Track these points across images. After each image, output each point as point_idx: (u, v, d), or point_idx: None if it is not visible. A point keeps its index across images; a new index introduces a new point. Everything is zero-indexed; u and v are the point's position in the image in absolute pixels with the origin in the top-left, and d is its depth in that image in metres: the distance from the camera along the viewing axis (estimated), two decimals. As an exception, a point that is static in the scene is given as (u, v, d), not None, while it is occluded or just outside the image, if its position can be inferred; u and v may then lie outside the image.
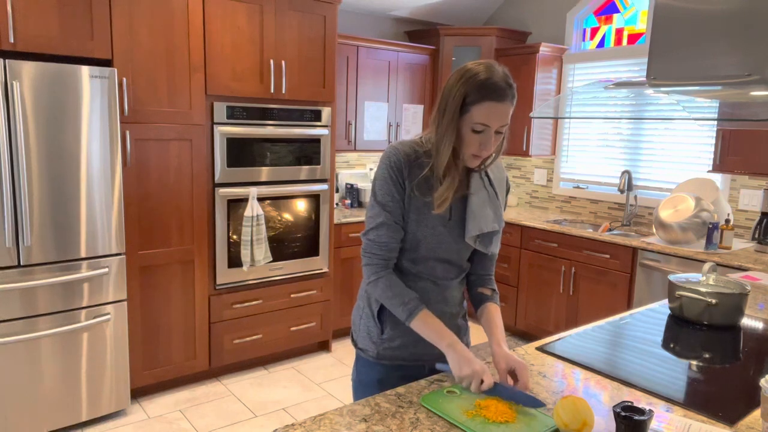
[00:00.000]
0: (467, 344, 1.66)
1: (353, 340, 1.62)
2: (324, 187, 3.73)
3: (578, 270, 3.81)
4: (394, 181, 1.43)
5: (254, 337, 3.56)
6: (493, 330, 1.50)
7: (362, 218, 4.03)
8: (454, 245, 1.51)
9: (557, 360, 1.57)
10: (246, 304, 3.51)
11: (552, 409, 1.28)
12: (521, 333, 4.31)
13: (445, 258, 1.52)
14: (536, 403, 1.25)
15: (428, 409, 1.27)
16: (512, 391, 1.29)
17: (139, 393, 3.23)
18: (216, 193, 3.30)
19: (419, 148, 1.46)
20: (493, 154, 1.47)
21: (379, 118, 4.40)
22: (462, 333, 1.63)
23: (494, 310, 1.56)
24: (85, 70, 2.69)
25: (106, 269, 2.86)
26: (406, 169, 1.43)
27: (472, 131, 1.37)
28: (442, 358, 1.42)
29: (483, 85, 1.34)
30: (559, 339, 1.73)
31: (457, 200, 1.49)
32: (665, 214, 3.40)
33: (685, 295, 1.90)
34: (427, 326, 1.40)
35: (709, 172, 3.46)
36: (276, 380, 3.52)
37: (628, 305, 3.56)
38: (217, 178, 3.29)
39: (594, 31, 4.45)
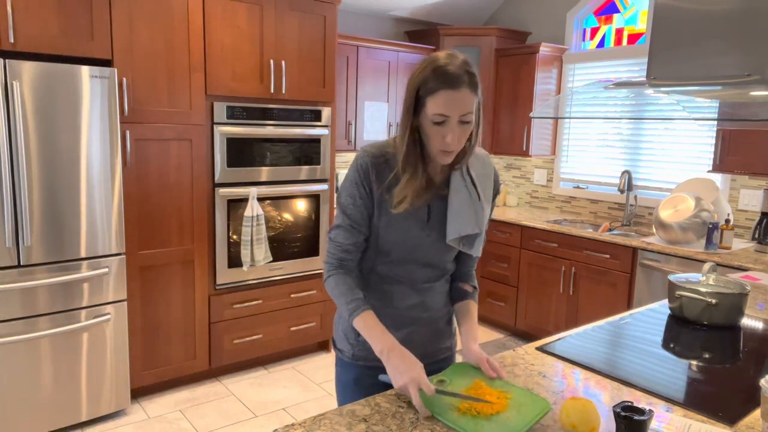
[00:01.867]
0: (451, 347, 1.62)
1: (333, 341, 1.61)
2: (324, 187, 3.73)
3: (578, 270, 3.81)
4: (357, 185, 1.40)
5: (254, 337, 3.56)
6: (469, 326, 1.48)
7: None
8: (434, 248, 1.46)
9: (557, 360, 1.57)
10: (246, 304, 3.51)
11: (544, 401, 1.28)
12: (521, 333, 4.31)
13: (425, 261, 1.47)
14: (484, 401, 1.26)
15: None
16: (459, 397, 1.26)
17: (139, 393, 3.23)
18: (216, 193, 3.30)
19: (390, 149, 1.41)
20: (467, 149, 1.39)
21: (379, 118, 4.40)
22: (446, 337, 1.59)
23: (473, 307, 1.54)
24: (85, 70, 2.69)
25: (106, 269, 2.86)
26: (373, 172, 1.39)
27: (433, 124, 1.31)
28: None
29: (435, 74, 1.28)
30: (559, 339, 1.73)
31: (437, 201, 1.44)
32: (665, 214, 3.40)
33: (685, 295, 1.90)
34: (366, 328, 1.36)
35: (709, 172, 3.46)
36: (276, 380, 3.52)
37: (628, 305, 3.56)
38: (217, 178, 3.29)
39: (594, 31, 4.45)
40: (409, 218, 1.41)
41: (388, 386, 1.40)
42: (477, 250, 1.47)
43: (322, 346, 3.99)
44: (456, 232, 1.41)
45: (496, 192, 1.54)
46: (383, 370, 1.42)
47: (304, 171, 3.63)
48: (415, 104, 1.33)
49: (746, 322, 1.94)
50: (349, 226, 1.42)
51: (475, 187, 1.44)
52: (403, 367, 1.26)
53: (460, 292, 1.58)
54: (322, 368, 3.70)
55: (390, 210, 1.40)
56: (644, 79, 1.71)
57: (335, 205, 1.42)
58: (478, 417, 1.20)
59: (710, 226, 3.26)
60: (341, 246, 1.43)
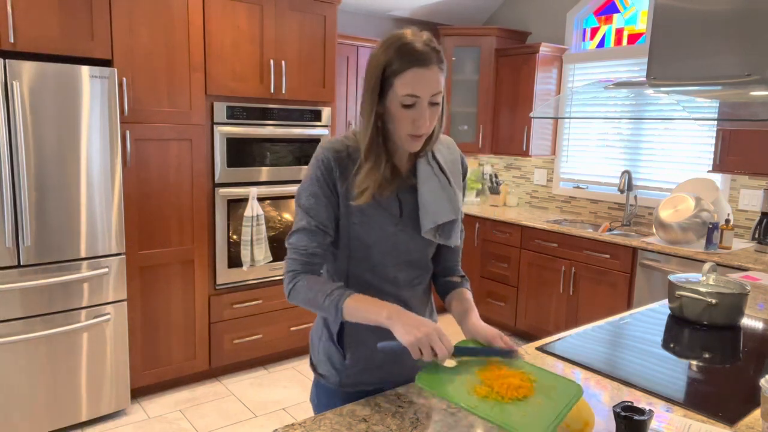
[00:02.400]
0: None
1: (312, 365, 1.45)
2: (324, 187, 3.72)
3: (578, 270, 3.81)
4: (320, 183, 1.28)
5: (254, 337, 3.56)
6: (467, 307, 1.37)
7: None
8: (412, 243, 1.35)
9: (557, 360, 1.57)
10: (246, 304, 3.51)
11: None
12: (521, 333, 4.31)
13: (405, 260, 1.36)
14: (509, 354, 1.20)
15: (430, 391, 1.14)
16: (480, 350, 1.19)
17: (139, 393, 3.23)
18: (216, 193, 3.29)
19: (351, 142, 1.30)
20: (435, 134, 1.30)
21: (379, 118, 4.39)
22: None
23: (466, 293, 1.44)
24: (85, 70, 2.69)
25: (106, 269, 2.86)
26: (336, 169, 1.28)
27: (402, 107, 1.20)
28: (410, 381, 1.29)
29: (401, 52, 1.17)
30: (559, 339, 1.73)
31: (407, 193, 1.34)
32: (665, 214, 3.40)
33: (685, 295, 1.90)
34: (360, 309, 1.20)
35: (709, 172, 3.46)
36: (276, 380, 3.51)
37: (628, 305, 3.55)
38: (217, 178, 3.29)
39: (594, 31, 4.45)
40: (381, 214, 1.31)
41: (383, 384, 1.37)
42: (455, 240, 1.37)
43: (322, 346, 3.98)
44: (432, 222, 1.31)
45: (464, 175, 1.45)
46: (371, 395, 1.33)
47: (304, 171, 3.63)
48: (380, 87, 1.21)
49: (746, 322, 1.94)
50: (315, 228, 1.28)
51: (444, 172, 1.35)
52: (416, 322, 1.14)
53: (448, 284, 1.48)
54: (322, 368, 3.69)
55: (360, 206, 1.29)
56: (644, 79, 1.71)
57: (295, 207, 1.33)
58: (503, 402, 1.07)
59: (710, 226, 3.26)
60: (306, 249, 1.29)
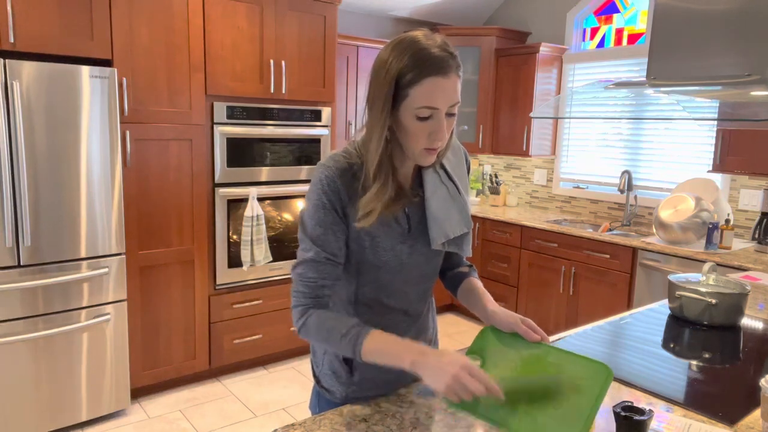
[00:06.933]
0: None
1: (315, 376, 1.37)
2: (324, 187, 3.72)
3: (578, 270, 3.81)
4: (327, 209, 1.17)
5: (254, 337, 3.56)
6: (482, 298, 1.30)
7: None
8: (422, 257, 1.28)
9: (557, 360, 1.57)
10: (246, 304, 3.51)
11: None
12: (521, 333, 4.31)
13: (416, 275, 1.29)
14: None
15: (461, 411, 1.10)
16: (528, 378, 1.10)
17: (139, 393, 3.23)
18: (216, 193, 3.29)
19: (354, 158, 1.19)
20: (447, 145, 1.22)
21: (379, 118, 4.39)
22: None
23: (477, 282, 1.37)
24: (85, 70, 2.69)
25: (106, 269, 2.86)
26: (344, 192, 1.17)
27: (417, 119, 1.10)
28: (414, 380, 1.27)
29: (418, 59, 1.07)
30: (559, 339, 1.73)
31: (414, 205, 1.25)
32: (665, 214, 3.40)
33: (685, 295, 1.90)
34: (381, 350, 1.11)
35: (709, 172, 3.46)
36: (276, 380, 3.51)
37: (628, 305, 3.55)
38: (217, 178, 3.29)
39: (594, 31, 4.45)
40: (388, 233, 1.22)
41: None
42: (467, 250, 1.30)
43: (322, 346, 3.98)
44: (443, 236, 1.23)
45: (468, 170, 1.37)
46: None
47: (304, 171, 3.63)
48: (393, 98, 1.11)
49: (746, 322, 1.94)
50: (324, 260, 1.18)
51: (452, 179, 1.26)
52: (442, 364, 1.03)
53: (456, 277, 1.42)
54: (322, 368, 3.69)
55: (368, 228, 1.20)
56: (644, 79, 1.71)
57: (299, 235, 1.23)
58: (532, 413, 1.05)
59: (710, 226, 3.26)
60: (315, 282, 1.18)
